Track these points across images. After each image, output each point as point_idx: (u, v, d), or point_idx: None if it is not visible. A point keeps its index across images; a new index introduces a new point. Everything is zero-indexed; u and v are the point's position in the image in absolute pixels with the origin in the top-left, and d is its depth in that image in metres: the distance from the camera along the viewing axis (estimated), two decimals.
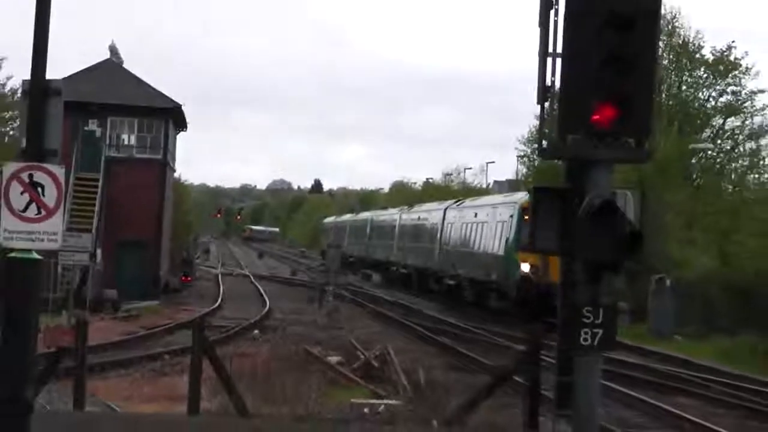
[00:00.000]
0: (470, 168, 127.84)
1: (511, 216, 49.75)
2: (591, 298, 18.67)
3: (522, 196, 51.77)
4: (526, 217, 43.45)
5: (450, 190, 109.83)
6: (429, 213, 75.71)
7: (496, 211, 57.10)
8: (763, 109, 68.06)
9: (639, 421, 28.38)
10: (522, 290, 44.22)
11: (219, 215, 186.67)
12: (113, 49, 72.50)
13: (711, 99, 68.94)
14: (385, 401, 29.40)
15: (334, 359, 38.59)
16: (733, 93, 68.89)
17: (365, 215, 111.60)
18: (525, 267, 45.03)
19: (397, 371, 35.33)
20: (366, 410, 27.49)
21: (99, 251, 56.99)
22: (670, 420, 28.32)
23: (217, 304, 65.55)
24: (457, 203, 72.70)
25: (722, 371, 39.23)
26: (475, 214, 65.08)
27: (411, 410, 27.23)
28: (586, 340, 18.25)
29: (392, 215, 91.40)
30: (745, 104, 68.73)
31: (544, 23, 19.16)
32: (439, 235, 69.25)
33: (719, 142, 67.20)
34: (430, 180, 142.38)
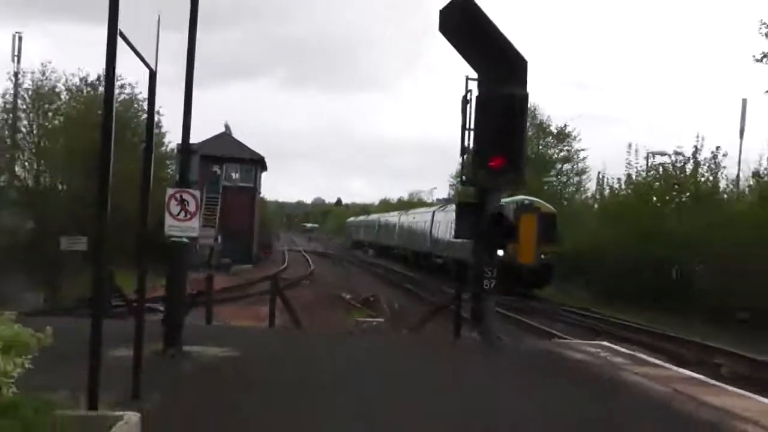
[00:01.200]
0: (423, 191, 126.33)
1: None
2: (489, 262, 18.91)
3: None
4: None
5: (412, 204, 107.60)
6: (421, 215, 68.74)
7: None
8: (583, 159, 68.61)
9: (523, 334, 28.07)
10: (498, 268, 39.69)
11: (295, 220, 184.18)
12: (227, 126, 72.70)
13: (555, 154, 69.10)
14: (375, 319, 29.39)
15: (347, 296, 38.59)
16: (567, 150, 69.28)
17: (374, 217, 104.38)
18: (500, 252, 40.86)
19: (383, 303, 35.41)
20: (364, 324, 27.47)
21: (219, 237, 57.33)
22: (542, 334, 27.87)
23: (284, 266, 65.36)
24: (442, 208, 65.09)
25: (575, 307, 38.55)
26: (433, 216, 58.33)
27: (390, 324, 27.28)
28: (487, 286, 18.53)
29: (394, 216, 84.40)
30: (573, 156, 69.18)
31: (462, 111, 19.27)
32: (430, 229, 62.02)
33: (559, 177, 67.18)
34: (402, 198, 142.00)
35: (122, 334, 9.86)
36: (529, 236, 40.14)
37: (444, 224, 57.87)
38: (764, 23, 30.22)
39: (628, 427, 10.54)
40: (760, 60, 30.40)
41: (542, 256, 40.74)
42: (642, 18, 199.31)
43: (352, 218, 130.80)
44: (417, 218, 69.72)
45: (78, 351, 6.78)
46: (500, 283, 38.03)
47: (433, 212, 64.12)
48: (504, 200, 43.93)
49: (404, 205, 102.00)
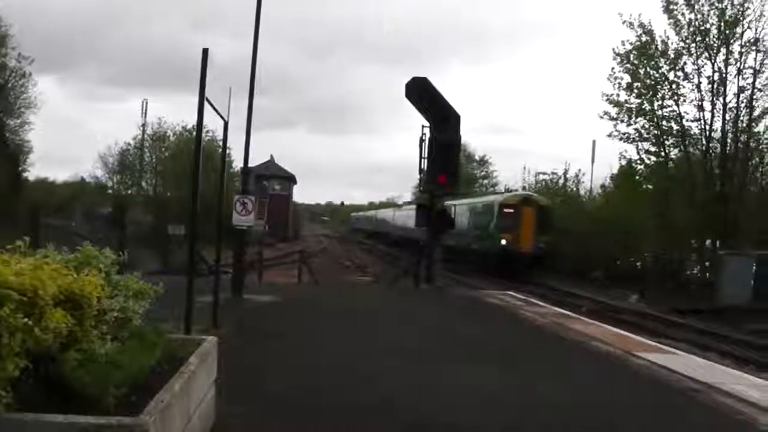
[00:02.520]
0: (395, 195, 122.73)
1: (492, 209, 32.62)
2: (437, 241, 18.87)
3: (498, 198, 34.57)
4: (506, 210, 31.57)
5: (390, 204, 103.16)
6: (413, 210, 54.29)
7: (479, 205, 35.75)
8: (495, 177, 68.43)
9: (460, 287, 27.85)
10: (502, 255, 29.85)
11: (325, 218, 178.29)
12: (272, 156, 72.22)
13: (478, 173, 68.84)
14: (367, 278, 29.37)
15: (348, 263, 38.50)
16: (485, 171, 69.22)
17: (373, 212, 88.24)
18: (503, 241, 30.52)
19: (371, 268, 35.29)
20: (359, 280, 27.46)
21: (267, 225, 56.60)
22: (473, 287, 27.51)
23: (307, 244, 64.77)
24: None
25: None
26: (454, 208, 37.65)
27: (375, 281, 27.20)
28: (436, 256, 18.44)
29: (389, 211, 69.93)
30: (490, 174, 69.07)
31: (419, 146, 19.30)
32: None
33: (481, 187, 66.72)
34: (382, 200, 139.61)
35: (206, 287, 9.84)
36: (528, 227, 30.97)
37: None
38: (605, 94, 30.90)
39: (522, 341, 10.63)
40: (602, 117, 31.23)
41: (540, 245, 30.77)
42: (538, 84, 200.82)
43: (355, 213, 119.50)
44: (410, 213, 63.18)
45: (178, 297, 6.79)
46: (504, 269, 28.21)
47: None
48: (506, 195, 35.50)
49: (385, 205, 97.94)
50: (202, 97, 7.11)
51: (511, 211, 31.39)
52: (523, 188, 47.46)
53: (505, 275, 27.50)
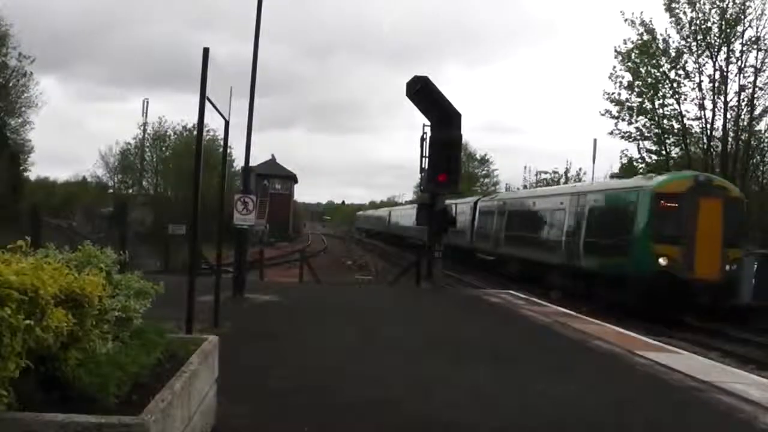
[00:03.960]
0: (396, 195, 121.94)
1: (635, 202, 18.12)
2: (437, 240, 18.83)
3: (647, 183, 18.87)
4: (665, 204, 17.48)
5: (390, 203, 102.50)
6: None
7: (603, 197, 20.67)
8: (496, 176, 68.36)
9: (463, 287, 27.67)
10: (659, 285, 16.77)
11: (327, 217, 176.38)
12: (273, 156, 72.15)
13: (479, 172, 68.77)
14: (368, 277, 29.29)
15: (349, 262, 38.40)
16: (486, 170, 69.10)
17: (383, 211, 75.97)
18: (661, 261, 17.10)
19: (372, 267, 35.20)
20: (361, 279, 27.38)
21: (267, 225, 56.35)
22: (474, 286, 27.49)
23: (308, 243, 64.70)
24: (487, 197, 35.98)
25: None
26: (534, 203, 26.89)
27: (376, 280, 27.12)
28: (437, 253, 18.43)
29: (409, 209, 52.19)
30: (491, 173, 69.02)
31: (420, 144, 19.28)
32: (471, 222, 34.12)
33: (482, 186, 66.53)
34: (383, 200, 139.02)
35: (207, 287, 9.84)
36: (711, 235, 17.39)
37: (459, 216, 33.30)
38: (606, 92, 30.98)
39: (524, 340, 10.62)
40: (603, 115, 31.31)
41: (728, 267, 17.71)
42: (539, 83, 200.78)
43: (361, 212, 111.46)
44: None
45: (179, 297, 6.79)
46: (662, 308, 17.06)
47: (475, 202, 36.02)
48: (662, 177, 19.23)
49: (387, 204, 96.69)
50: (203, 96, 7.11)
51: (675, 205, 17.65)
52: (524, 186, 46.87)
53: (662, 319, 16.76)
